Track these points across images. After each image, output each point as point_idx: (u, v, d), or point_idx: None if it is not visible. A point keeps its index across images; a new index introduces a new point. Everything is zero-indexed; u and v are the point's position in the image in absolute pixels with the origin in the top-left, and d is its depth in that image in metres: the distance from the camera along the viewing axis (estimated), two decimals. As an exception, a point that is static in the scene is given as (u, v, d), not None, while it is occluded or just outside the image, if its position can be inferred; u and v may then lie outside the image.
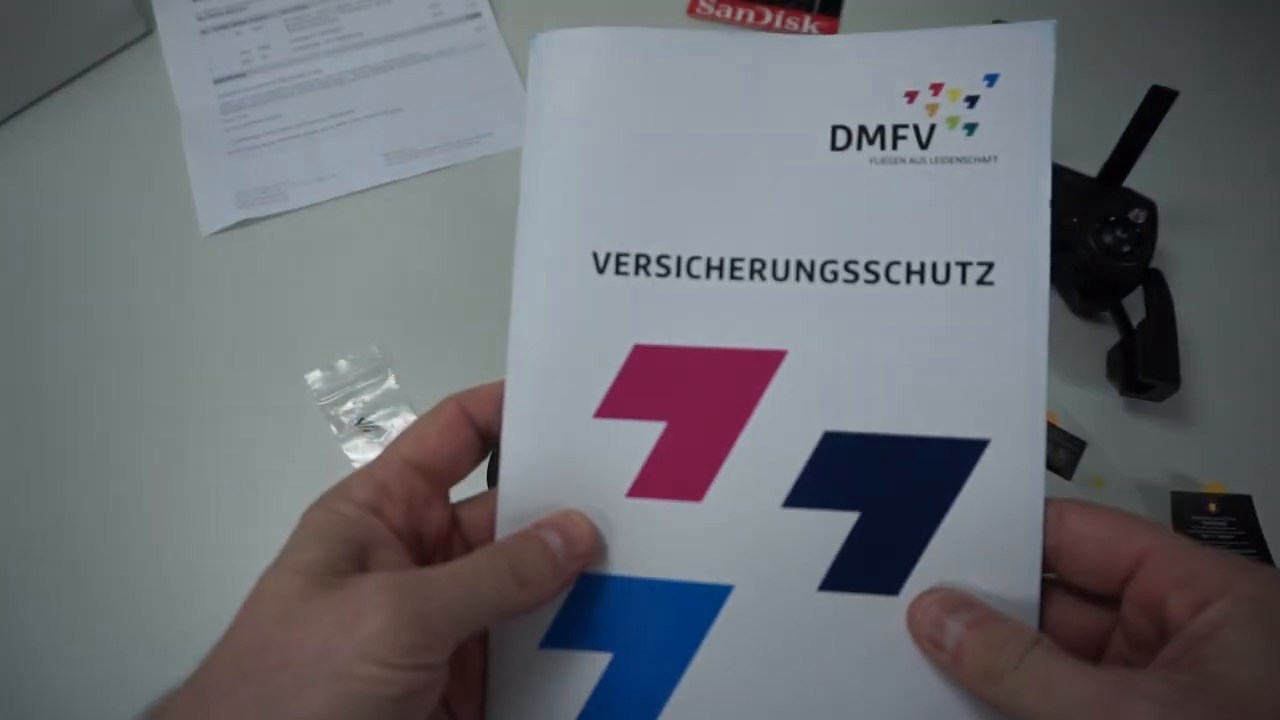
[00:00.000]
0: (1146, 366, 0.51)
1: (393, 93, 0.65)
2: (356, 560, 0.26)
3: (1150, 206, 0.53)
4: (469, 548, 0.31)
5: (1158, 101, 0.51)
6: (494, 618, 0.27)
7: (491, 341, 0.53)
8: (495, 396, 0.30)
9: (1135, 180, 0.55)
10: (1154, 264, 0.55)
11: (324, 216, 0.61)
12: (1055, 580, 0.28)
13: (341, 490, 0.28)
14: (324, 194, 0.61)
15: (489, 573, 0.26)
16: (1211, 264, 0.58)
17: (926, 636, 0.27)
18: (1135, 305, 0.55)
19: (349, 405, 0.55)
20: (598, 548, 0.29)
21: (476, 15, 0.69)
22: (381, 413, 0.54)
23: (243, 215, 0.60)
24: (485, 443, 0.31)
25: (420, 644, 0.24)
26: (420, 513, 0.29)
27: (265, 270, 0.59)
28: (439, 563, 0.27)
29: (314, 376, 0.55)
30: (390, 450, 0.29)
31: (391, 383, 0.55)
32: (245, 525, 0.51)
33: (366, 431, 0.54)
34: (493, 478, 0.46)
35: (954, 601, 0.27)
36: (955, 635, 0.26)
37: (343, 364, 0.56)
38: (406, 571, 0.25)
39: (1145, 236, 0.53)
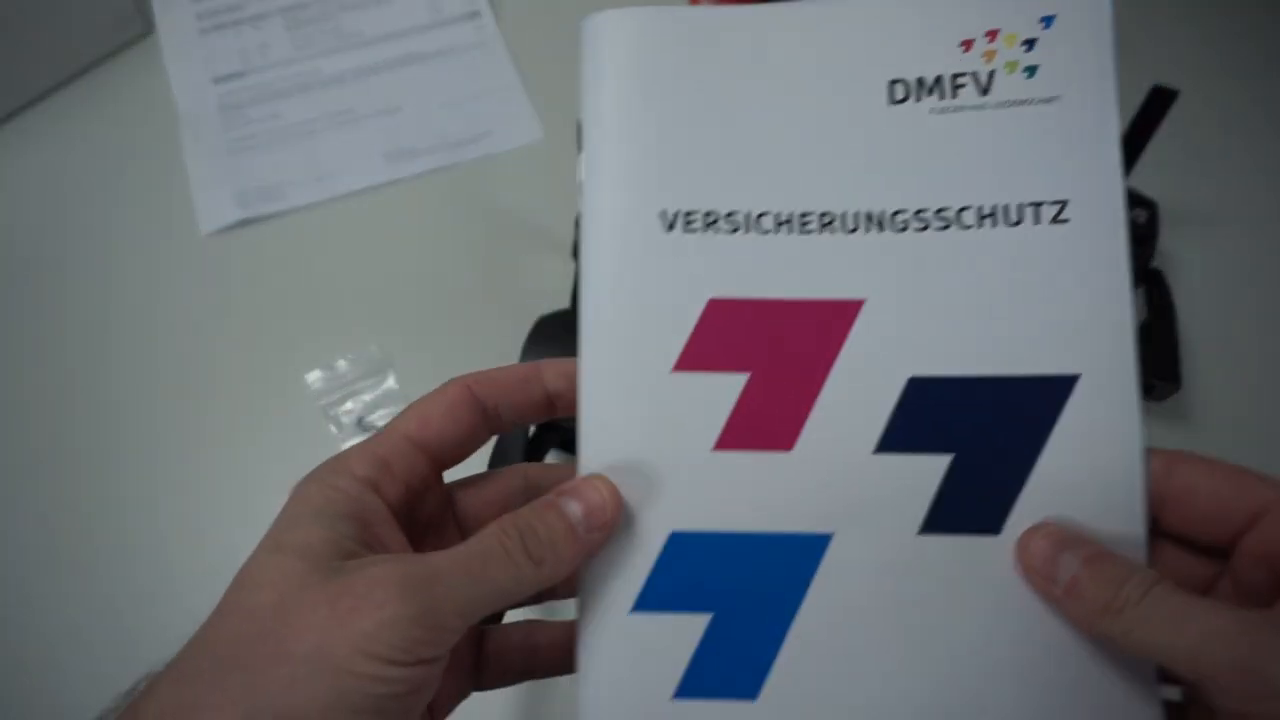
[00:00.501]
0: (1147, 366, 0.51)
1: (392, 92, 0.65)
2: (359, 540, 0.25)
3: (1151, 206, 0.53)
4: (462, 531, 0.30)
5: (1158, 101, 0.51)
6: (507, 601, 0.26)
7: (491, 341, 0.53)
8: (507, 380, 0.30)
9: (1135, 180, 0.55)
10: (1154, 264, 0.55)
11: (324, 216, 0.61)
12: (1157, 529, 0.28)
13: (339, 464, 0.27)
14: (324, 193, 0.61)
15: (499, 556, 0.25)
16: (1212, 264, 0.58)
17: (1037, 571, 0.27)
18: (1135, 305, 0.55)
19: (349, 405, 0.55)
20: (621, 513, 0.28)
21: (476, 15, 0.69)
22: (381, 413, 0.54)
23: (242, 215, 0.60)
24: (492, 427, 0.30)
25: (424, 639, 0.23)
26: (418, 492, 0.28)
27: (265, 270, 0.59)
28: (431, 545, 0.26)
29: (314, 376, 0.55)
30: (392, 428, 0.29)
31: (391, 383, 0.55)
32: (244, 525, 0.51)
33: (366, 431, 0.54)
34: (497, 460, 0.46)
35: (1066, 537, 0.26)
36: (1070, 569, 0.26)
37: (343, 364, 0.56)
38: (410, 559, 0.24)
39: (1146, 237, 0.53)
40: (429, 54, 0.67)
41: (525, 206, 0.61)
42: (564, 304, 0.53)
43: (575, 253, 0.53)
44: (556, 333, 0.50)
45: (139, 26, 0.66)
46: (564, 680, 0.47)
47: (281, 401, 0.55)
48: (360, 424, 0.54)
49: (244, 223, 0.60)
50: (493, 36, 0.68)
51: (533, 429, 0.48)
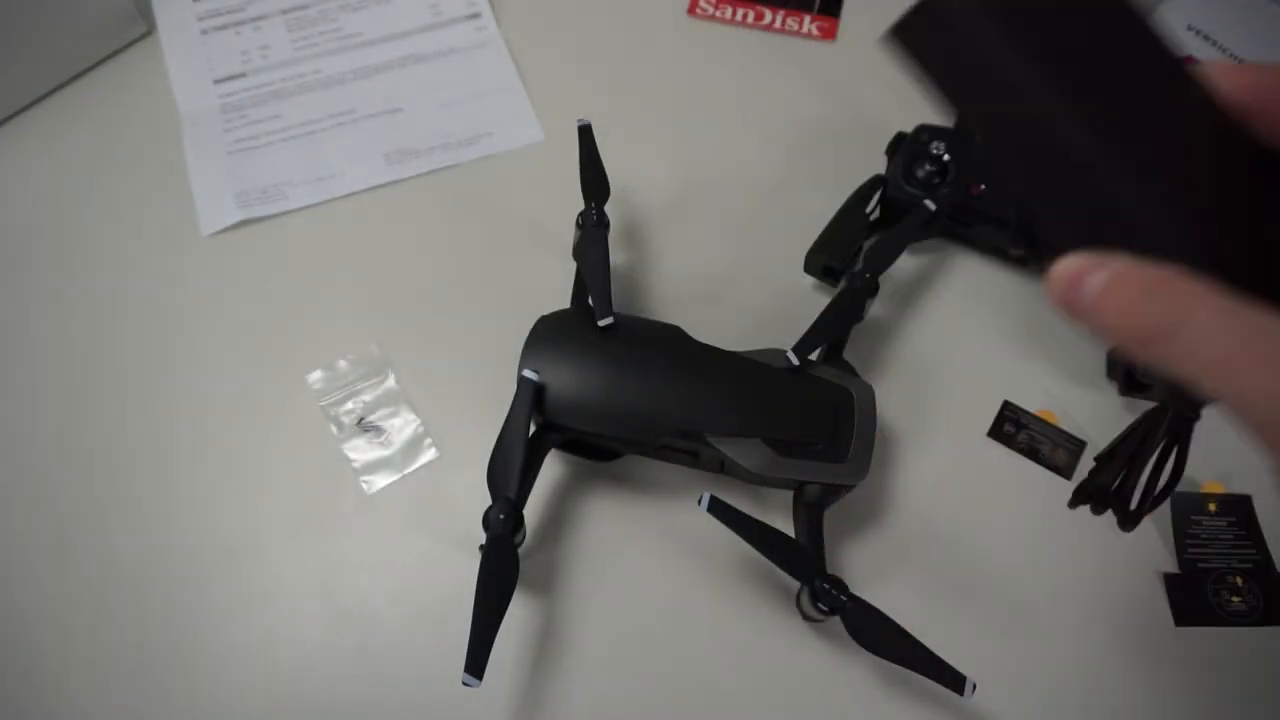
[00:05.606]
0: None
1: (393, 93, 0.65)
2: None
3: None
4: None
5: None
6: None
7: (491, 341, 0.53)
8: None
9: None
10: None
11: (324, 216, 0.61)
12: None
13: None
14: (324, 194, 0.61)
15: None
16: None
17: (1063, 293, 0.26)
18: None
19: (349, 405, 0.55)
20: None
21: (476, 15, 0.69)
22: (381, 412, 0.54)
23: (242, 215, 0.60)
24: None
25: None
26: None
27: (265, 270, 0.59)
28: None
29: (314, 376, 0.55)
30: None
31: (391, 383, 0.55)
32: (245, 525, 0.51)
33: (366, 431, 0.54)
34: (498, 460, 0.46)
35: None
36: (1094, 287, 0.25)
37: (343, 364, 0.56)
38: None
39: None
40: (429, 54, 0.67)
41: (525, 206, 0.61)
42: (564, 304, 0.53)
43: (575, 253, 0.53)
44: (556, 333, 0.50)
45: (140, 27, 0.66)
46: (567, 679, 0.47)
47: (281, 401, 0.55)
48: (360, 424, 0.54)
49: (244, 223, 0.60)
50: (493, 37, 0.68)
51: (533, 428, 0.48)
